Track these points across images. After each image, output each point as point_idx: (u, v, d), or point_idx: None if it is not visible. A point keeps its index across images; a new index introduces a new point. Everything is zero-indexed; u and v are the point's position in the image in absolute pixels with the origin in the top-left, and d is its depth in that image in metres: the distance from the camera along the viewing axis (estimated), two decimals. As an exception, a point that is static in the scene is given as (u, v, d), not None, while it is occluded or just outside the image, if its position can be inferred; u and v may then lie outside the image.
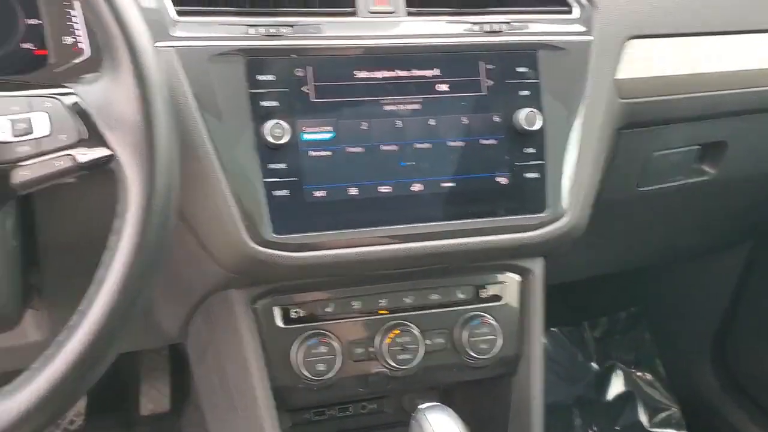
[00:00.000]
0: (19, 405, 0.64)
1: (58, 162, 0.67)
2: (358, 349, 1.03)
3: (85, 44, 1.01)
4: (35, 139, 0.66)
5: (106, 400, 1.69)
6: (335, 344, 1.01)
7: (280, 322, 1.01)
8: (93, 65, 1.01)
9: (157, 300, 1.11)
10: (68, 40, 1.00)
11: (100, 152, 0.67)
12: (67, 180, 0.69)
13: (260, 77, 0.92)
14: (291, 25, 0.94)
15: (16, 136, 0.66)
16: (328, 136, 0.94)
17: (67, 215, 0.92)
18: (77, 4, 0.89)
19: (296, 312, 1.02)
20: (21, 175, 0.66)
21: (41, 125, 0.66)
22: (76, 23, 1.00)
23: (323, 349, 1.01)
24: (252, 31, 0.93)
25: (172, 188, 0.69)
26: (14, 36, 0.99)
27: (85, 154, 0.67)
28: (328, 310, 1.03)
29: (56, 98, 0.67)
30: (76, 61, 1.01)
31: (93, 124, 0.67)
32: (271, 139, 0.90)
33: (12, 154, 0.66)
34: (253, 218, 0.91)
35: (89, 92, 0.68)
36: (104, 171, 0.69)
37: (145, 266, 0.68)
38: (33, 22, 0.99)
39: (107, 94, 0.67)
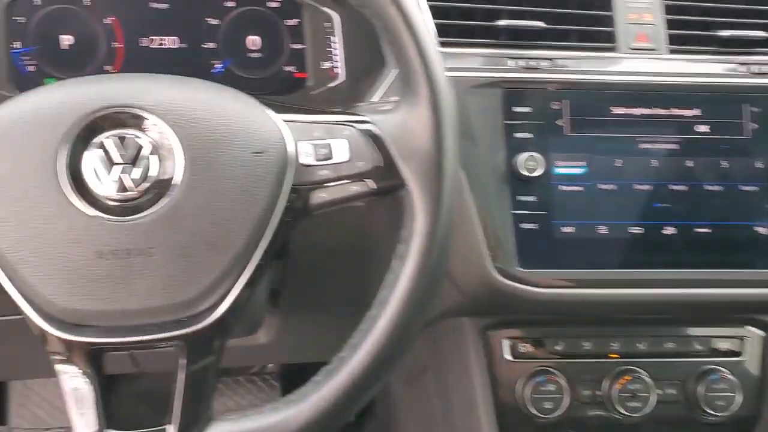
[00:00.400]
0: (301, 414, 0.67)
1: (354, 187, 0.70)
2: (586, 391, 1.00)
3: (341, 69, 1.06)
4: (335, 164, 0.69)
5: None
6: (563, 383, 0.99)
7: (508, 355, 1.00)
8: (349, 90, 1.06)
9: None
10: (326, 64, 1.06)
11: (393, 180, 0.69)
12: (356, 203, 0.72)
13: (516, 109, 0.92)
14: (550, 59, 0.94)
15: (318, 160, 0.69)
16: (580, 170, 0.93)
17: (323, 230, 0.96)
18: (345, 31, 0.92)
19: (524, 346, 1.01)
20: (320, 196, 0.70)
21: (341, 151, 0.69)
22: (336, 49, 1.05)
23: (551, 387, 0.99)
24: (511, 63, 0.94)
25: (452, 218, 0.70)
26: (280, 59, 1.05)
27: (380, 181, 0.70)
28: (558, 348, 1.01)
29: (354, 126, 0.70)
30: (331, 84, 1.06)
31: (388, 152, 0.69)
32: (524, 171, 0.90)
33: (314, 177, 0.69)
34: (499, 249, 0.91)
35: (385, 122, 0.70)
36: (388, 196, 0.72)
37: (426, 292, 0.69)
38: (297, 47, 1.05)
39: (404, 125, 0.69)
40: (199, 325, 0.66)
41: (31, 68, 1.00)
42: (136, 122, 0.66)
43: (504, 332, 1.01)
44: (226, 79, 1.03)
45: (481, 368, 1.00)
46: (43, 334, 0.65)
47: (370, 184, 0.70)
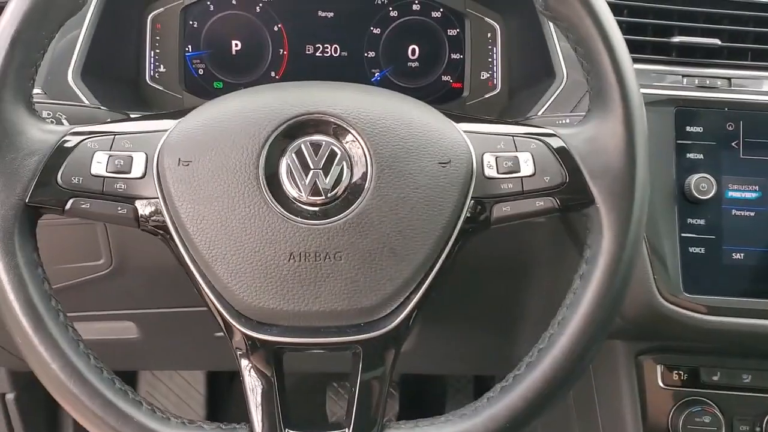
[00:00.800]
0: (473, 429, 0.67)
1: (539, 202, 0.69)
2: (744, 426, 0.95)
3: (498, 80, 1.05)
4: (520, 177, 0.68)
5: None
6: (719, 416, 0.94)
7: (661, 382, 0.97)
8: (505, 102, 1.05)
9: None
10: (484, 75, 1.05)
11: (581, 197, 0.68)
12: (538, 219, 0.71)
13: (689, 128, 0.89)
14: (728, 78, 0.90)
15: (501, 173, 0.68)
16: (753, 195, 0.88)
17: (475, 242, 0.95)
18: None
19: (679, 374, 0.97)
20: (502, 210, 0.69)
21: (526, 165, 0.68)
22: (495, 60, 1.05)
23: (706, 419, 0.94)
24: (686, 81, 0.90)
25: (640, 239, 0.68)
26: (438, 69, 1.05)
27: (566, 198, 0.68)
28: (715, 378, 0.96)
29: (541, 140, 0.69)
30: (488, 95, 1.06)
31: (577, 168, 0.68)
32: (695, 193, 0.86)
33: (498, 190, 0.69)
34: (663, 272, 0.88)
35: (573, 136, 0.69)
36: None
37: (607, 315, 0.67)
38: (456, 57, 1.05)
39: (594, 140, 0.68)
40: (378, 332, 0.67)
41: (201, 71, 1.04)
42: (331, 129, 0.67)
43: (658, 358, 0.97)
44: (383, 87, 1.04)
45: (632, 393, 0.97)
46: (230, 329, 0.67)
47: (556, 200, 0.69)
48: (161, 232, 0.68)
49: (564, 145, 0.69)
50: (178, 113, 0.71)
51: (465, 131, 0.70)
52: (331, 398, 1.76)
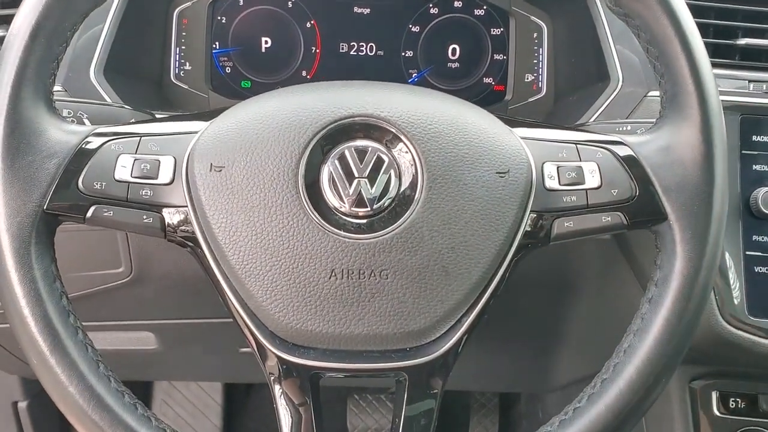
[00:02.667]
0: None
1: (606, 217, 0.62)
2: (806, 457, 0.89)
3: (544, 83, 0.99)
4: (584, 190, 0.62)
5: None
6: (780, 447, 0.88)
7: (716, 410, 0.90)
8: (551, 106, 0.99)
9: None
10: (529, 77, 0.99)
11: (652, 213, 0.61)
12: (603, 236, 0.65)
13: (756, 138, 0.83)
14: (798, 83, 0.83)
15: (564, 184, 0.62)
16: (826, 211, 0.82)
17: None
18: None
19: (736, 401, 0.90)
20: (564, 226, 0.63)
21: (592, 176, 0.62)
22: (541, 62, 0.98)
23: (766, 450, 0.87)
24: (752, 87, 0.84)
25: (717, 261, 0.62)
26: (479, 70, 0.99)
27: (635, 214, 0.62)
28: (776, 406, 0.89)
29: (608, 149, 0.63)
30: (532, 99, 1.00)
31: (648, 181, 0.61)
32: (762, 208, 0.80)
33: (560, 203, 0.62)
34: (726, 293, 0.81)
35: (644, 145, 0.62)
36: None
37: (680, 342, 0.61)
38: (499, 58, 0.99)
39: (667, 150, 0.61)
40: (425, 359, 0.61)
41: (228, 69, 0.99)
42: (377, 134, 0.61)
43: (714, 384, 0.90)
44: (421, 89, 0.98)
45: (685, 421, 0.90)
46: (263, 351, 0.61)
47: (624, 215, 0.62)
48: (190, 243, 0.63)
49: (633, 154, 0.63)
50: (208, 114, 0.65)
51: (523, 137, 0.64)
52: (351, 410, 1.70)
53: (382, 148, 0.61)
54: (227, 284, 0.61)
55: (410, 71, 0.99)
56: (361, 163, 0.60)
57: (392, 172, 0.60)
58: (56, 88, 0.78)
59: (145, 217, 0.62)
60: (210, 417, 1.68)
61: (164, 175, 0.62)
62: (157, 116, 0.75)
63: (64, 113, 0.73)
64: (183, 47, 0.97)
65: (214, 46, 0.98)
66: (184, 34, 0.97)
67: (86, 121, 0.74)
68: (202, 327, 1.02)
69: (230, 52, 0.98)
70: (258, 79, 0.99)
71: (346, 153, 0.60)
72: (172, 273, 0.92)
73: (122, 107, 0.78)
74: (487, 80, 1.00)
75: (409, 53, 0.98)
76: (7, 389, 1.32)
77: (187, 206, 0.61)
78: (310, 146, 0.60)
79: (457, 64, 0.99)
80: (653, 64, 0.63)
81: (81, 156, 0.61)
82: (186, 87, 0.98)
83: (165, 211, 0.62)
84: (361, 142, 0.61)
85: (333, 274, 0.59)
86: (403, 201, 0.60)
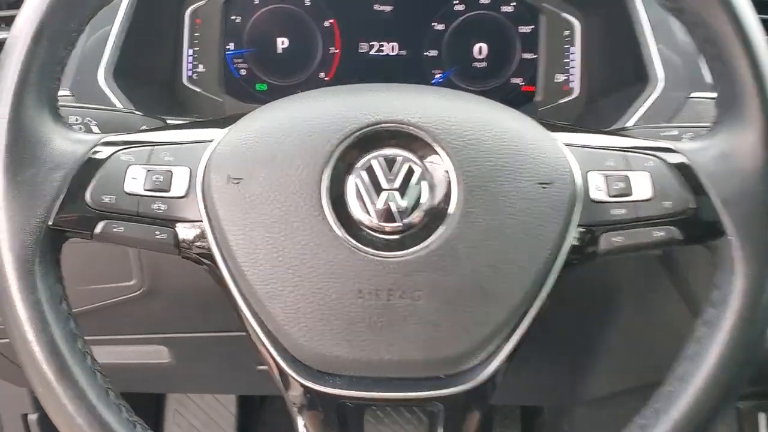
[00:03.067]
0: None
1: (658, 232, 0.57)
2: None
3: (576, 84, 0.94)
4: (634, 202, 0.57)
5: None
6: (831, 471, 0.82)
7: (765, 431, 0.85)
8: (583, 108, 0.93)
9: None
10: (560, 77, 0.94)
11: (709, 227, 0.56)
12: (654, 252, 0.59)
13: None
14: None
15: (612, 195, 0.57)
16: None
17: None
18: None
19: (785, 422, 0.85)
20: (612, 241, 0.58)
21: (642, 187, 0.57)
22: (573, 61, 0.93)
23: (817, 474, 0.82)
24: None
25: None
26: (508, 70, 0.94)
27: (690, 228, 0.57)
28: (827, 427, 0.84)
29: (659, 156, 0.58)
30: (563, 101, 0.94)
31: (705, 192, 0.56)
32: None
33: (606, 216, 0.57)
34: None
35: (699, 153, 0.57)
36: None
37: (740, 369, 0.55)
38: (528, 57, 0.94)
39: (726, 157, 0.56)
40: (462, 387, 0.56)
41: (243, 72, 0.94)
42: (407, 142, 0.56)
43: (761, 404, 0.85)
44: (446, 90, 0.93)
45: (730, 442, 0.84)
46: (285, 379, 0.57)
47: (678, 230, 0.57)
48: (206, 260, 0.58)
49: (687, 162, 0.57)
50: (224, 121, 0.60)
51: (566, 144, 0.59)
52: (369, 422, 1.66)
53: (413, 157, 0.56)
54: (246, 305, 0.57)
55: (434, 71, 0.94)
56: (390, 174, 0.55)
57: (424, 183, 0.55)
58: (63, 92, 0.74)
59: (157, 232, 0.58)
60: (224, 428, 1.63)
61: (178, 188, 0.57)
62: (170, 123, 0.70)
63: (71, 120, 0.69)
64: (196, 48, 0.93)
65: (228, 47, 0.93)
66: (197, 34, 0.93)
67: (94, 128, 0.70)
68: (217, 340, 0.98)
69: (245, 53, 0.94)
70: (274, 82, 0.94)
71: (374, 163, 0.55)
72: (185, 286, 0.88)
73: (132, 113, 0.73)
74: (515, 81, 0.94)
75: (433, 53, 0.93)
76: (17, 402, 1.29)
77: (202, 221, 0.57)
78: (335, 156, 0.55)
79: (483, 64, 0.94)
80: (710, 65, 0.57)
81: (89, 167, 0.57)
82: (199, 90, 0.93)
83: (179, 226, 0.58)
84: (389, 151, 0.56)
85: (360, 294, 0.54)
86: (437, 215, 0.55)
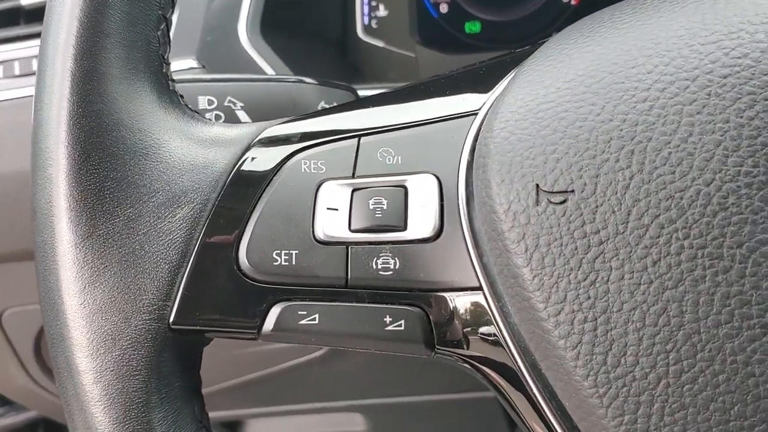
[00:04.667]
0: None
1: None
2: None
3: None
4: None
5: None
6: None
7: None
8: None
9: None
10: None
11: None
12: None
13: None
14: None
15: None
16: None
17: None
18: None
19: None
20: None
21: None
22: None
23: None
24: None
25: None
26: None
27: None
28: None
29: None
30: None
31: None
32: None
33: None
34: None
35: None
36: None
37: None
38: None
39: None
40: None
41: (445, 8, 0.62)
42: None
43: None
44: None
45: None
46: None
47: None
48: (492, 363, 0.27)
49: None
50: (480, 77, 0.29)
51: None
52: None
53: None
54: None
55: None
56: None
57: None
58: (183, 62, 0.46)
59: (388, 317, 0.27)
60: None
61: (420, 220, 0.27)
62: (365, 97, 0.40)
63: (201, 104, 0.40)
64: (373, -19, 0.62)
65: (420, -26, 0.62)
66: (372, -40, 0.62)
67: (241, 113, 0.40)
68: (428, 405, 0.69)
69: (447, -21, 0.62)
70: (492, 18, 0.62)
71: None
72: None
73: (301, 81, 0.43)
74: None
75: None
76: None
77: (482, 288, 0.26)
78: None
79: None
80: None
81: (239, 193, 0.27)
82: (382, 44, 0.63)
83: (433, 301, 0.27)
84: None
85: None
86: None
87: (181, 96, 0.30)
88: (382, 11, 0.63)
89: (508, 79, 0.30)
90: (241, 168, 0.28)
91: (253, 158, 0.29)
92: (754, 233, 0.23)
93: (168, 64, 0.30)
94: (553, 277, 0.24)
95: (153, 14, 0.28)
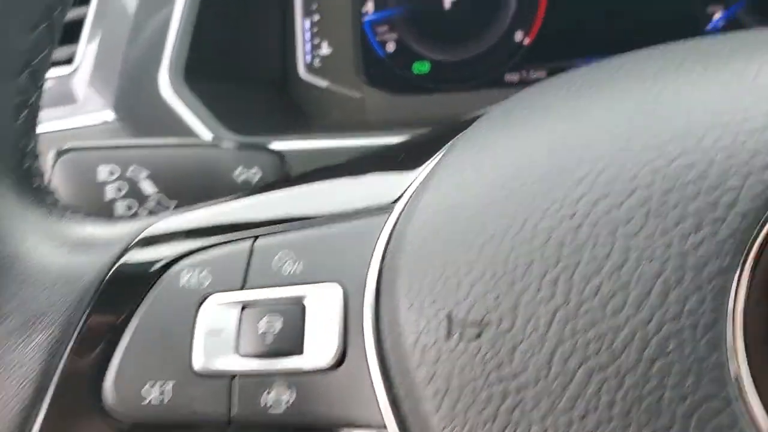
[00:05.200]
0: None
1: None
2: None
3: None
4: None
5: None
6: None
7: None
8: None
9: None
10: None
11: None
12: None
13: None
14: None
15: None
16: None
17: None
18: None
19: None
20: None
21: None
22: None
23: None
24: None
25: None
26: None
27: None
28: None
29: None
30: None
31: None
32: None
33: None
34: None
35: None
36: None
37: None
38: None
39: None
40: None
41: (392, 46, 0.59)
42: None
43: None
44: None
45: None
46: None
47: None
48: None
49: None
50: (403, 151, 0.27)
51: None
52: None
53: None
54: None
55: (710, 9, 0.55)
56: None
57: None
58: (100, 118, 0.42)
59: None
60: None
61: (320, 343, 0.23)
62: (293, 179, 0.36)
63: (102, 175, 0.35)
64: (315, 18, 0.58)
65: (364, 10, 0.58)
66: (314, -4, 0.58)
67: (146, 184, 0.36)
68: None
69: (393, 15, 0.58)
70: (441, 58, 0.58)
71: None
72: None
73: (216, 146, 0.39)
74: None
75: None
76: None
77: (386, 426, 0.22)
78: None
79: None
80: None
81: (108, 310, 0.23)
82: (326, 84, 0.59)
83: None
84: None
85: None
86: None
87: (51, 192, 0.26)
88: (325, 49, 0.59)
89: (432, 165, 0.26)
90: (113, 278, 0.24)
91: (128, 265, 0.25)
92: (698, 385, 0.19)
93: (35, 156, 0.25)
94: (465, 430, 0.20)
95: (10, 102, 0.24)
